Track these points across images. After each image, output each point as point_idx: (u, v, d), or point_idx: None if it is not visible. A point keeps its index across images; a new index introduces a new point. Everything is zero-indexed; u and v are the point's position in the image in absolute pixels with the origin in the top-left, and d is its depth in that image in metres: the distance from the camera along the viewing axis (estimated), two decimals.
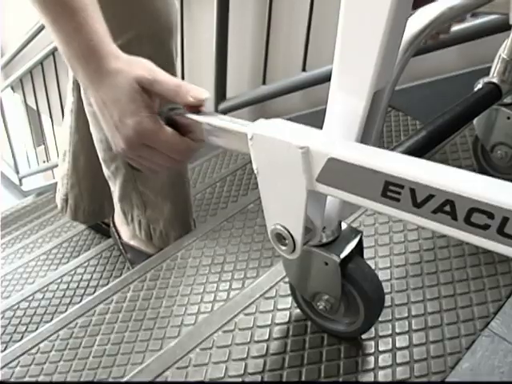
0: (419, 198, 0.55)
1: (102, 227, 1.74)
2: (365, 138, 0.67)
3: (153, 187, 1.32)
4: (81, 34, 0.80)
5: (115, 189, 1.37)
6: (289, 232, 0.70)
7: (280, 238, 0.72)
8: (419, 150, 0.83)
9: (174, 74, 1.21)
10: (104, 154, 1.31)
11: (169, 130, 0.81)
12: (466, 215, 0.53)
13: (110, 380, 0.99)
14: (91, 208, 1.62)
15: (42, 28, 2.67)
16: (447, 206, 0.53)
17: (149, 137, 0.81)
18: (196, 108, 0.79)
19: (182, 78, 2.28)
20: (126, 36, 1.06)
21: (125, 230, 1.49)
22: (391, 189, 0.56)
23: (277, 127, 0.65)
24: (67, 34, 0.80)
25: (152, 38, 1.12)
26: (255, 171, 0.69)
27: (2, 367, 1.08)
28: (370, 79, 0.62)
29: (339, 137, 0.67)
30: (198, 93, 0.79)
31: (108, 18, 0.87)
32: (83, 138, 1.47)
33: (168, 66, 1.10)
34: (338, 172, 0.60)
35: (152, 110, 0.81)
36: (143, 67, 0.81)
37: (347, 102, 0.65)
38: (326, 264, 0.76)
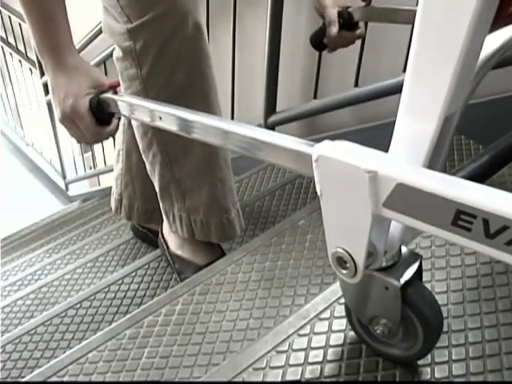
0: (492, 229, 0.53)
1: (148, 236, 1.75)
2: (432, 163, 0.66)
3: (189, 171, 1.35)
4: (51, 37, 1.14)
5: (156, 183, 1.40)
6: (351, 256, 0.69)
7: (341, 261, 0.71)
8: (481, 175, 0.82)
9: (200, 44, 1.26)
10: (142, 142, 1.36)
11: (92, 118, 1.14)
12: None
13: None
14: (144, 207, 1.64)
15: (91, 39, 2.72)
16: None
17: (76, 117, 1.15)
18: (113, 88, 1.13)
19: (233, 89, 2.28)
20: (151, 13, 1.19)
21: (172, 239, 1.50)
22: (463, 218, 0.55)
23: (344, 150, 0.64)
24: (42, 36, 1.14)
25: (176, 11, 1.20)
26: (318, 193, 0.68)
27: (51, 376, 1.08)
28: (442, 104, 0.60)
29: (406, 161, 0.66)
30: (113, 80, 1.15)
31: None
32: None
33: (195, 38, 1.24)
34: (406, 198, 0.58)
35: (85, 96, 1.14)
36: (87, 65, 1.18)
37: (417, 126, 0.64)
38: (387, 288, 0.74)
